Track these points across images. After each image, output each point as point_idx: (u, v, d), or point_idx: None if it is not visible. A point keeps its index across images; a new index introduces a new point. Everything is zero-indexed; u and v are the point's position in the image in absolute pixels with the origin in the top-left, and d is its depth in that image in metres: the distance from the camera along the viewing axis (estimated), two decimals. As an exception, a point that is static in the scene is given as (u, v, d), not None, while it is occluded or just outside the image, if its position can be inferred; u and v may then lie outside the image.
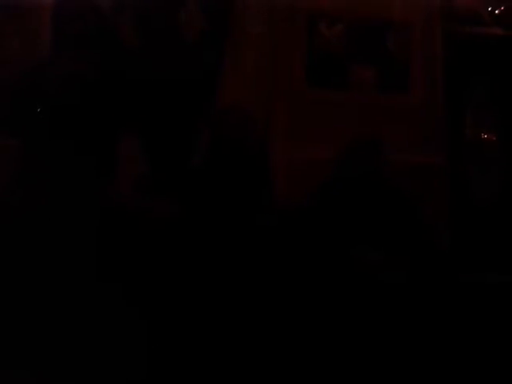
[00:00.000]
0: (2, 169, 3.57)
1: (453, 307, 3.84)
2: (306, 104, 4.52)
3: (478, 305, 3.91)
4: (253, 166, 3.97)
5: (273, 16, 4.48)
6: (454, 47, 4.71)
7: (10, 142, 3.65)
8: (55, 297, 3.29)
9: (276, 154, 4.38)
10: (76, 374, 3.23)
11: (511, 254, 4.35)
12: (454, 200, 4.56)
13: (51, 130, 3.50)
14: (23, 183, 3.44)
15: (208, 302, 3.58)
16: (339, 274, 3.74)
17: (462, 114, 4.72)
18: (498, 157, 4.68)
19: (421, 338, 3.68)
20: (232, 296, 3.61)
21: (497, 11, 4.83)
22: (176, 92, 4.21)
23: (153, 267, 3.57)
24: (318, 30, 4.55)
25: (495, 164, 4.67)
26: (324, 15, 4.53)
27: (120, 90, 3.86)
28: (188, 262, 3.62)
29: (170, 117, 4.22)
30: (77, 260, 3.41)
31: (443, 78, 4.68)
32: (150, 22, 4.25)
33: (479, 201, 4.63)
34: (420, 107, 4.65)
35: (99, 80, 3.78)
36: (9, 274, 3.29)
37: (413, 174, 4.40)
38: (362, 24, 4.60)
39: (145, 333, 3.45)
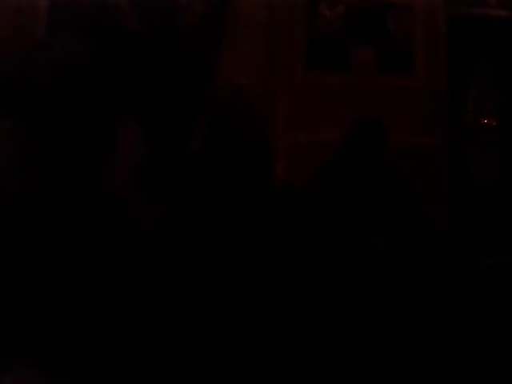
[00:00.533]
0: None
1: (452, 289, 3.82)
2: (306, 86, 4.49)
3: (477, 286, 3.89)
4: (253, 148, 3.93)
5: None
6: (457, 29, 4.66)
7: (4, 125, 3.61)
8: (48, 290, 3.26)
9: (278, 137, 4.34)
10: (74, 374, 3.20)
11: (509, 236, 4.33)
12: (453, 182, 4.55)
13: (46, 115, 3.45)
14: (17, 169, 3.40)
15: (209, 287, 3.55)
16: (340, 256, 3.72)
17: (463, 96, 4.69)
18: (498, 141, 4.66)
19: (421, 322, 3.67)
20: (233, 282, 3.57)
21: (500, -7, 4.79)
22: (175, 76, 4.17)
23: (151, 256, 3.53)
24: (319, 12, 4.50)
25: (495, 148, 4.65)
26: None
27: (118, 75, 3.82)
28: (187, 249, 3.59)
29: (168, 102, 4.18)
30: (71, 251, 3.37)
31: (446, 60, 4.65)
32: (149, 5, 4.20)
33: (478, 183, 4.61)
34: (422, 89, 4.62)
35: (96, 64, 3.73)
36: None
37: (414, 155, 4.37)
38: (364, 5, 4.55)
39: (143, 329, 3.42)
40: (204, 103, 4.21)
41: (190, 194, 3.70)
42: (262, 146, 4.04)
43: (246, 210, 3.67)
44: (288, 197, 3.89)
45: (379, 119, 4.05)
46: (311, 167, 4.04)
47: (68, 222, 3.41)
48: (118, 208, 3.60)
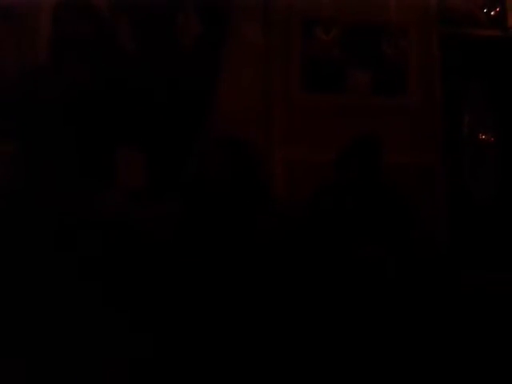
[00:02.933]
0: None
1: (453, 304, 3.85)
2: (302, 108, 4.56)
3: (478, 302, 3.92)
4: (250, 172, 3.99)
5: (268, 21, 4.52)
6: (451, 49, 4.73)
7: (8, 145, 3.67)
8: (50, 302, 3.34)
9: (274, 159, 4.41)
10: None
11: (509, 252, 4.37)
12: (451, 199, 4.58)
13: (48, 135, 3.54)
14: (20, 187, 3.48)
15: (211, 304, 3.60)
16: (339, 273, 3.76)
17: (459, 114, 4.74)
18: (495, 157, 4.70)
19: (421, 334, 3.69)
20: (235, 297, 3.63)
21: (492, 12, 4.85)
22: (173, 97, 4.25)
23: (152, 275, 3.60)
24: (314, 35, 4.58)
25: (492, 164, 4.69)
26: (319, 20, 4.56)
27: (118, 96, 3.90)
28: (188, 267, 3.65)
29: (167, 125, 4.24)
30: (72, 269, 3.45)
31: (440, 79, 4.71)
32: (147, 26, 4.28)
33: (477, 200, 4.64)
34: (417, 109, 4.68)
35: (97, 87, 3.81)
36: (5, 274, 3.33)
37: (411, 174, 4.42)
38: (358, 28, 4.63)
39: (146, 337, 3.48)
40: (202, 126, 4.30)
41: (189, 215, 3.78)
42: (258, 169, 4.10)
43: (246, 230, 3.74)
44: (287, 217, 3.96)
45: (373, 137, 4.10)
46: (308, 188, 4.11)
47: (68, 238, 3.49)
48: (118, 227, 3.67)
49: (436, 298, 3.84)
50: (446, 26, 4.76)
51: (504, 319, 3.95)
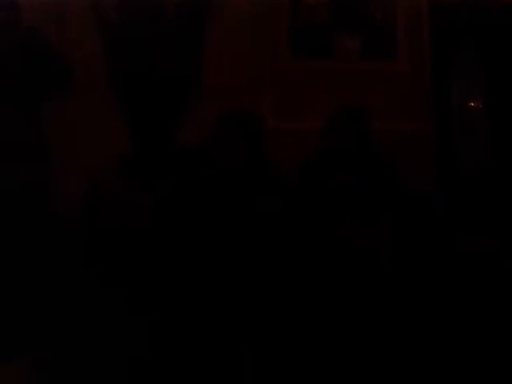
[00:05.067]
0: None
1: (449, 272, 3.83)
2: (291, 75, 4.50)
3: (473, 270, 3.90)
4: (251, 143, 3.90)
5: (256, -14, 4.46)
6: (440, 14, 4.68)
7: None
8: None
9: (263, 125, 4.35)
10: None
11: (498, 220, 4.35)
12: (441, 167, 4.56)
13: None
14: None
15: (209, 288, 3.54)
16: (329, 249, 3.72)
17: (448, 81, 4.70)
18: (485, 124, 4.66)
19: (419, 314, 3.66)
20: (232, 277, 3.57)
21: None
22: (159, 69, 4.17)
23: (144, 253, 3.53)
24: (302, 0, 4.52)
25: (482, 131, 4.65)
26: (307, -16, 4.51)
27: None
28: (181, 247, 3.58)
29: (153, 94, 4.17)
30: (62, 244, 3.40)
31: (429, 45, 4.66)
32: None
33: (466, 168, 4.62)
34: (407, 75, 4.63)
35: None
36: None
37: (400, 141, 4.38)
38: (346, -8, 4.57)
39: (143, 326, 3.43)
40: (191, 97, 4.23)
41: (181, 188, 3.70)
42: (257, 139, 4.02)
43: (246, 203, 3.68)
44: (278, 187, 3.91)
45: (360, 106, 4.05)
46: (299, 156, 4.06)
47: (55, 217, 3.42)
48: (107, 200, 3.60)
49: (432, 267, 3.81)
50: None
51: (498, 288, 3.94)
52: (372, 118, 4.05)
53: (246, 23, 4.46)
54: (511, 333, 3.67)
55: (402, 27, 4.65)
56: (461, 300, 3.74)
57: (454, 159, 4.63)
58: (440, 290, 3.74)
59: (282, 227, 3.65)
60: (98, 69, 4.12)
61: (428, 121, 4.60)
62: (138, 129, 4.13)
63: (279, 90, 4.51)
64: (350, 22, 4.60)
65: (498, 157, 4.65)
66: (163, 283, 3.48)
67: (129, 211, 3.55)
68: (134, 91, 4.11)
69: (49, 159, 3.92)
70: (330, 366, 3.50)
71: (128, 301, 3.38)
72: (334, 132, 3.98)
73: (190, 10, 4.31)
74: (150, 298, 3.44)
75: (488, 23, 4.71)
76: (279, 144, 4.30)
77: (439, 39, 4.68)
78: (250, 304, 3.51)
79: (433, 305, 3.67)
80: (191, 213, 3.59)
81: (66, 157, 4.06)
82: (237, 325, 3.48)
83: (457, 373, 3.51)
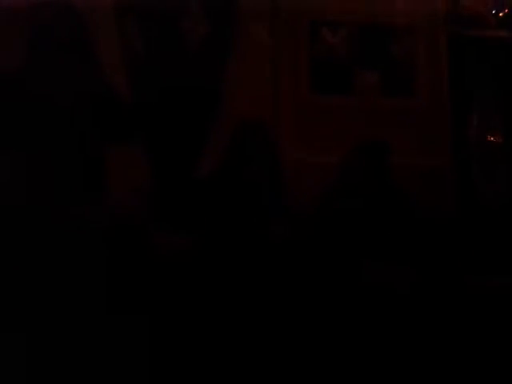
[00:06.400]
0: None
1: (459, 309, 3.81)
2: (310, 110, 4.53)
3: (484, 307, 3.88)
4: (266, 174, 3.94)
5: (275, 22, 4.49)
6: (459, 50, 4.70)
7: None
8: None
9: (282, 159, 4.38)
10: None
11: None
12: (460, 203, 4.55)
13: (43, 138, 3.50)
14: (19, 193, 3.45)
15: (219, 311, 3.57)
16: (348, 282, 3.72)
17: (467, 116, 4.71)
18: (505, 158, 4.66)
19: (426, 341, 3.66)
20: (245, 305, 3.59)
21: (501, 14, 4.82)
22: (180, 99, 4.22)
23: (161, 278, 3.56)
24: (321, 36, 4.55)
25: (502, 166, 4.65)
26: (327, 20, 4.53)
27: (121, 99, 3.86)
28: (199, 273, 3.61)
29: (174, 127, 4.22)
30: (79, 276, 3.42)
31: (448, 80, 4.68)
32: (153, 27, 4.26)
33: (486, 203, 4.61)
34: (425, 111, 4.64)
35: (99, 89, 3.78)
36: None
37: (419, 177, 4.39)
38: (366, 29, 4.60)
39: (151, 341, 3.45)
40: (211, 129, 4.27)
41: (208, 221, 3.73)
42: (275, 175, 4.07)
43: (258, 234, 3.70)
44: (296, 221, 3.92)
45: (378, 141, 4.07)
46: (316, 190, 4.08)
47: (76, 246, 3.45)
48: (129, 232, 3.63)
49: (442, 302, 3.81)
50: (453, 26, 4.72)
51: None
52: (391, 153, 4.07)
53: (266, 56, 4.51)
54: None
55: (421, 63, 4.68)
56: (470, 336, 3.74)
57: (473, 194, 4.63)
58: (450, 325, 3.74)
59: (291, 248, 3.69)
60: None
61: (447, 156, 4.61)
62: (161, 162, 4.17)
63: (298, 123, 4.54)
64: (369, 57, 4.63)
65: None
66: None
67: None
68: (156, 124, 4.15)
69: None
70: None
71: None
72: (352, 167, 4.00)
73: (215, 43, 4.37)
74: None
75: (508, 57, 4.73)
76: (298, 176, 4.33)
77: (458, 75, 4.70)
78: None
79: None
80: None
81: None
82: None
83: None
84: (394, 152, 4.09)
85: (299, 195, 4.24)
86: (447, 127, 4.63)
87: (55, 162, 3.47)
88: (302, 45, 4.55)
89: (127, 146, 3.91)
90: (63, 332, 3.30)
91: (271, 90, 4.49)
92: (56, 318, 3.31)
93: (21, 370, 3.25)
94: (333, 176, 4.05)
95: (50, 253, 3.35)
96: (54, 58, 3.64)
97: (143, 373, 3.36)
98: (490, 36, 4.78)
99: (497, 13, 4.83)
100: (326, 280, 3.70)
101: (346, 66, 4.59)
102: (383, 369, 3.57)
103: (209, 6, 4.35)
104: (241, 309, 3.56)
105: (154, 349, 3.41)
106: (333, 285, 3.69)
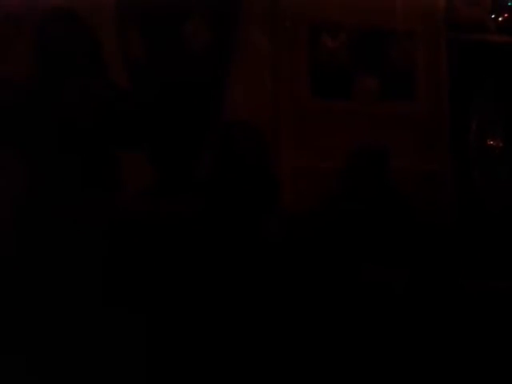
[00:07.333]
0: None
1: (460, 314, 3.82)
2: (310, 115, 4.55)
3: (483, 311, 3.89)
4: (260, 177, 3.98)
5: (276, 27, 4.51)
6: (458, 55, 4.72)
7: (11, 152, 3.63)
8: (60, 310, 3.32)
9: (281, 163, 4.40)
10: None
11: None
12: (460, 207, 4.56)
13: (54, 143, 3.52)
14: (27, 195, 3.47)
15: (215, 310, 3.58)
16: (347, 286, 3.73)
17: (467, 121, 4.72)
18: (505, 163, 4.68)
19: (424, 344, 3.67)
20: (240, 307, 3.61)
21: (500, 18, 4.84)
22: (181, 104, 4.24)
23: (161, 272, 3.58)
24: (321, 41, 4.57)
25: (502, 170, 4.67)
26: (326, 25, 4.55)
27: (125, 104, 3.88)
28: (196, 268, 3.63)
29: (175, 130, 4.24)
30: (86, 273, 3.43)
31: (448, 85, 4.70)
32: (155, 34, 4.28)
33: (486, 207, 4.62)
34: (425, 115, 4.66)
35: (105, 95, 3.80)
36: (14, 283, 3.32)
37: (418, 181, 4.40)
38: (365, 33, 4.62)
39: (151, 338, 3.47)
40: (211, 131, 4.29)
41: (199, 216, 3.75)
42: (268, 177, 4.09)
43: (254, 237, 3.72)
44: (295, 226, 3.94)
45: (378, 146, 4.08)
46: (315, 195, 4.09)
47: (82, 243, 3.47)
48: (130, 226, 3.65)
49: (442, 307, 3.81)
50: (453, 31, 4.74)
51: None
52: (390, 158, 4.08)
53: (267, 62, 4.53)
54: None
55: (421, 67, 4.70)
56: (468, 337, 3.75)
57: (473, 199, 4.64)
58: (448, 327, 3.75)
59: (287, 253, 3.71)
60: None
61: (447, 160, 4.62)
62: (161, 161, 4.20)
63: (298, 127, 4.56)
64: (369, 62, 4.65)
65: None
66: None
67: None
68: (157, 127, 4.17)
69: None
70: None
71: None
72: (352, 172, 4.01)
73: (216, 48, 4.40)
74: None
75: (507, 62, 4.75)
76: (297, 182, 4.35)
77: (458, 79, 4.72)
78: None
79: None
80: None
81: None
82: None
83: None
84: (393, 156, 4.10)
85: (298, 199, 4.26)
86: (447, 131, 4.65)
87: (59, 164, 3.50)
88: (302, 50, 4.57)
89: (131, 148, 3.93)
90: (64, 332, 3.31)
91: (271, 94, 4.51)
92: (57, 317, 3.33)
93: (21, 367, 3.26)
94: (333, 180, 4.06)
95: (51, 253, 3.37)
96: (62, 67, 3.67)
97: (145, 370, 3.38)
98: (489, 40, 4.80)
99: (496, 17, 4.85)
100: (324, 281, 3.71)
101: (346, 70, 4.61)
102: (383, 369, 3.57)
103: (210, 11, 4.38)
104: (240, 309, 3.58)
105: (150, 348, 3.43)
106: (331, 285, 3.70)
